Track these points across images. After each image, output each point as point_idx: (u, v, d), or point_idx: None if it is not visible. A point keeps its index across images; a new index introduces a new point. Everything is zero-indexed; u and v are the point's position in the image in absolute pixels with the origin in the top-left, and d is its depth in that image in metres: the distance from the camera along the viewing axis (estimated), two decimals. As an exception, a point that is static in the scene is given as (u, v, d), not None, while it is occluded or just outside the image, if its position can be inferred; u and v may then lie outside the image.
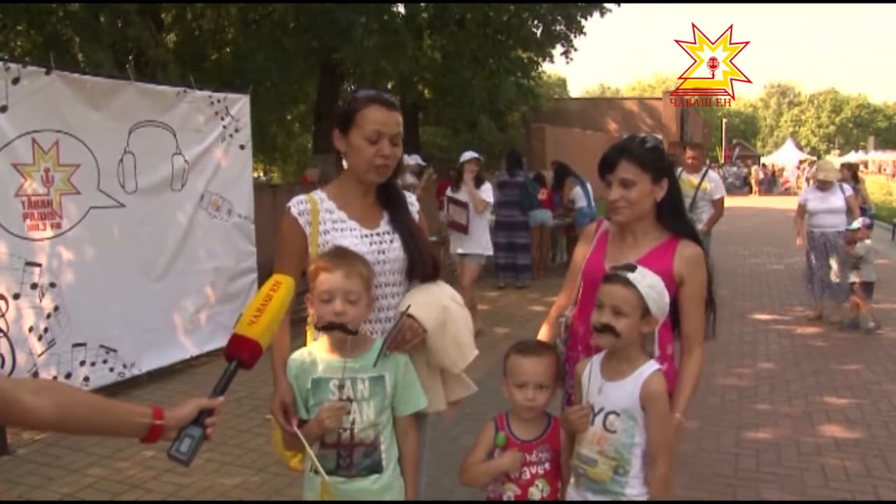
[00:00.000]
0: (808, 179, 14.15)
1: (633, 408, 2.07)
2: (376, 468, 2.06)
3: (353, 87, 15.22)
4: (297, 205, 2.23)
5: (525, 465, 2.17)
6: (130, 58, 10.08)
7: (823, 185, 7.35)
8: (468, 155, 7.09)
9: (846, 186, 7.67)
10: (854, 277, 7.19)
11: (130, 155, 5.39)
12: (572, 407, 2.17)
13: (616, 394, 2.08)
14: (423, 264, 2.23)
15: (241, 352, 1.69)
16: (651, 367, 2.11)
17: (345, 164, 2.24)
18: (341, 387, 2.04)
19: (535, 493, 2.16)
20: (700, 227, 6.93)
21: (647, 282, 2.07)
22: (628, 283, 2.05)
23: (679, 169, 7.12)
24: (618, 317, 2.05)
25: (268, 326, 1.73)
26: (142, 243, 5.51)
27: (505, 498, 2.18)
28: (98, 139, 5.12)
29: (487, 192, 7.06)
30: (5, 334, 4.48)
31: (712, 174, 7.57)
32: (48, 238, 4.82)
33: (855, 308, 7.19)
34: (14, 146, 4.59)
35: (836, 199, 7.36)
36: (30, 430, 3.98)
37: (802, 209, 7.59)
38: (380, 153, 2.14)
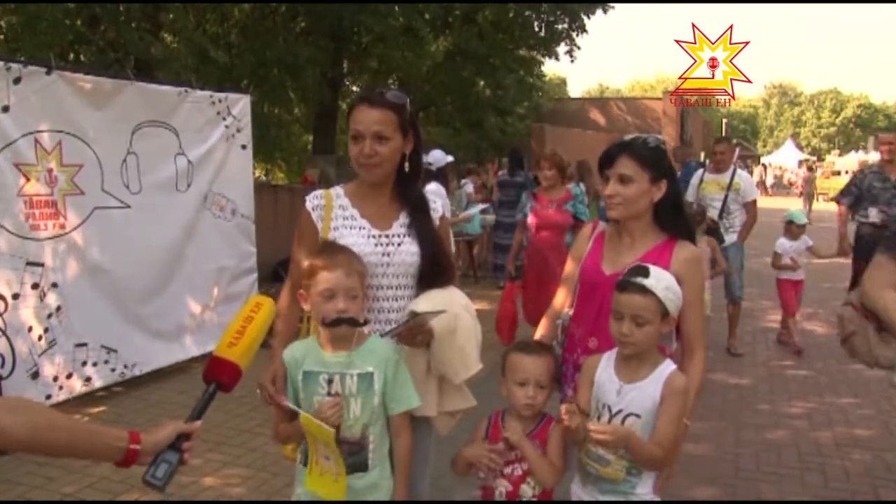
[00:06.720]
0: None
1: (654, 409, 2.06)
2: (361, 467, 2.04)
3: (353, 86, 15.16)
4: (313, 199, 2.27)
5: (517, 462, 2.16)
6: (131, 58, 10.06)
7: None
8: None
9: None
10: None
11: (133, 156, 5.38)
12: (568, 406, 2.05)
13: (638, 396, 2.07)
14: (435, 270, 2.22)
15: (220, 375, 1.70)
16: (669, 366, 2.11)
17: None
18: (330, 381, 2.03)
19: (527, 490, 2.16)
20: (733, 237, 6.25)
21: (664, 284, 2.07)
22: (645, 291, 2.04)
23: (701, 171, 6.65)
24: (639, 326, 2.03)
25: (248, 349, 1.73)
26: (148, 244, 5.49)
27: (496, 494, 2.18)
28: (101, 140, 5.11)
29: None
30: (4, 333, 4.47)
31: (742, 173, 6.48)
32: (51, 238, 4.80)
33: None
34: (16, 146, 4.57)
35: None
36: None
37: None
38: (361, 152, 2.16)
